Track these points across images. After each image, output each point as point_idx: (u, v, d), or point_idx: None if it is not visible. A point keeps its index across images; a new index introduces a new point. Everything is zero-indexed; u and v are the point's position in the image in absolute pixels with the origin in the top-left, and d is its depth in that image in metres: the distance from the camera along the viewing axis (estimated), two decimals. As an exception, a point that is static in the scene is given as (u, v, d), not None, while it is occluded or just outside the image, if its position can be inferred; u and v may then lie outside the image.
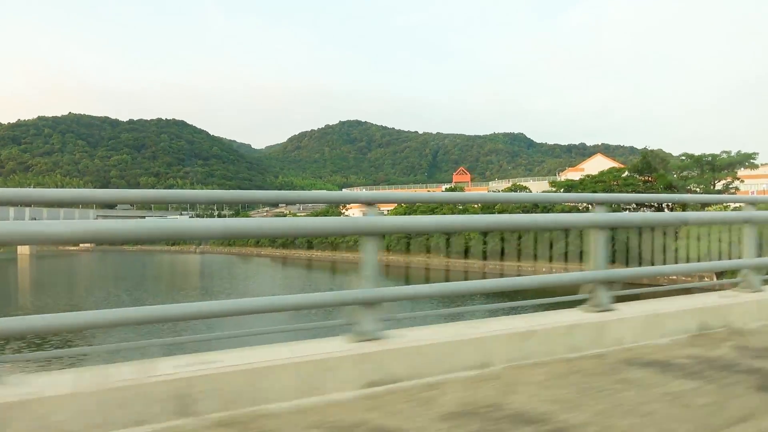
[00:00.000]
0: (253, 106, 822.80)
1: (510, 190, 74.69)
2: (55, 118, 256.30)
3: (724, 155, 52.38)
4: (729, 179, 51.22)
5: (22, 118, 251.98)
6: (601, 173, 56.76)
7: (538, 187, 74.91)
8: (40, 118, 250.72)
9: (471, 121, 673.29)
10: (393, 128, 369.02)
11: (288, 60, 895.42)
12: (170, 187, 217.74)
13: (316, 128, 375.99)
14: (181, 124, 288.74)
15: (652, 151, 57.46)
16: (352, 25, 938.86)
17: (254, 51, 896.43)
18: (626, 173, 56.90)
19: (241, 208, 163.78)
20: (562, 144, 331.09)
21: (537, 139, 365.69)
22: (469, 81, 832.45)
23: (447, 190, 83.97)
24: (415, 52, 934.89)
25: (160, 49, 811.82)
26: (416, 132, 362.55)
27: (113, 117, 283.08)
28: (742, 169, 53.87)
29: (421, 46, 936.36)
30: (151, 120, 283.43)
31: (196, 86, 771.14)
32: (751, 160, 51.91)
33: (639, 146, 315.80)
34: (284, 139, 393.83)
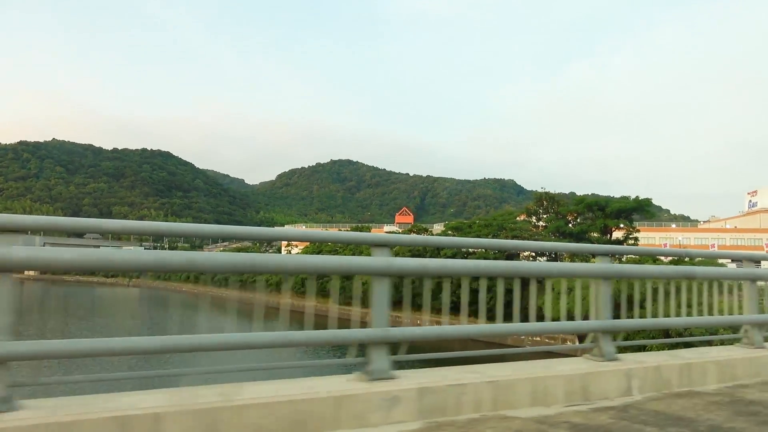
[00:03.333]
0: (249, 142, 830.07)
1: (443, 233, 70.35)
2: (36, 143, 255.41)
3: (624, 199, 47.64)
4: (626, 230, 46.44)
5: (3, 142, 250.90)
6: (494, 216, 52.13)
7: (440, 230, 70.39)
8: (20, 143, 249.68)
9: (462, 166, 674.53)
10: (384, 169, 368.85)
11: (287, 99, 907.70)
12: (142, 218, 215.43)
13: (306, 166, 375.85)
14: (166, 155, 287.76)
15: (547, 193, 52.96)
16: (353, 69, 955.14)
17: (252, 87, 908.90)
18: (522, 217, 52.21)
19: (200, 242, 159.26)
20: (553, 192, 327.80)
21: (528, 187, 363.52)
22: (465, 126, 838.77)
23: (406, 231, 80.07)
24: (412, 96, 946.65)
25: (157, 81, 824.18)
26: (407, 174, 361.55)
27: (97, 145, 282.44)
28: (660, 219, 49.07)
29: (418, 91, 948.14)
30: (136, 150, 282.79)
31: (192, 119, 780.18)
32: (646, 207, 47.12)
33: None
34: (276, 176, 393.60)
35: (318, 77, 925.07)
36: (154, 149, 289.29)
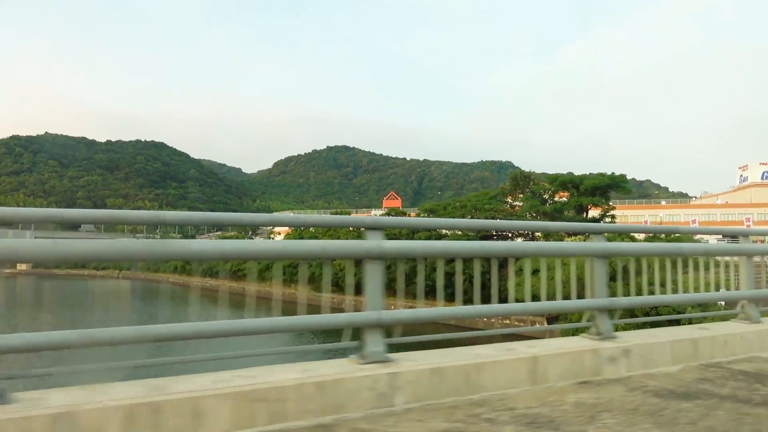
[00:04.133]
0: (246, 131, 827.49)
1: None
2: (29, 138, 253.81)
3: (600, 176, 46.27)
4: (604, 207, 45.21)
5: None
6: (469, 197, 50.93)
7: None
8: (12, 137, 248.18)
9: (459, 149, 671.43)
10: (380, 154, 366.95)
11: (282, 86, 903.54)
12: (137, 209, 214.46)
13: (303, 153, 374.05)
14: (160, 146, 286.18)
15: (522, 172, 51.66)
16: (350, 54, 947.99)
17: (249, 75, 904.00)
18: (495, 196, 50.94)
19: (190, 231, 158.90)
20: (549, 173, 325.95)
21: (525, 168, 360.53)
22: (462, 109, 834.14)
23: (383, 214, 78.74)
24: (409, 80, 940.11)
25: (154, 71, 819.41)
26: (404, 158, 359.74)
27: (90, 138, 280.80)
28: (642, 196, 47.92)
29: (414, 74, 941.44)
30: (129, 141, 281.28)
31: (187, 109, 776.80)
32: (622, 184, 45.80)
33: (627, 177, 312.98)
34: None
35: (314, 63, 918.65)
36: (147, 140, 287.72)
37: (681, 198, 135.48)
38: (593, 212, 46.99)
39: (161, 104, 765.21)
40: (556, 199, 47.66)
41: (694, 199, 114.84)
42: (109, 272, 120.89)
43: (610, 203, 46.89)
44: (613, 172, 45.26)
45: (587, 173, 46.29)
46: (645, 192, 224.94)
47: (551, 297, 4.74)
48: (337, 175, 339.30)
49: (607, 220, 45.81)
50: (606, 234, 5.08)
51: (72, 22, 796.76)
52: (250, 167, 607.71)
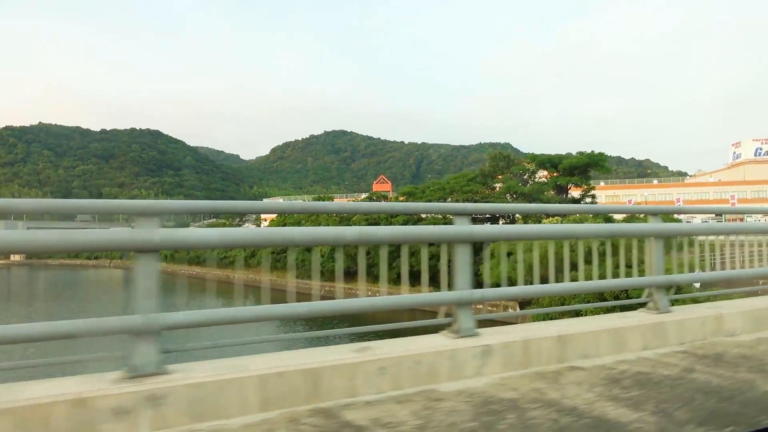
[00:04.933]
0: (243, 117, 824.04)
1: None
2: (22, 128, 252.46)
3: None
4: (584, 188, 44.07)
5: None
6: (448, 179, 49.80)
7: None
8: (6, 128, 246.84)
9: (457, 131, 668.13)
10: (378, 138, 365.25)
11: (279, 71, 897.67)
12: (132, 198, 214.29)
13: (300, 138, 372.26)
14: (156, 134, 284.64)
15: (500, 152, 50.50)
16: (347, 37, 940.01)
17: (246, 61, 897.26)
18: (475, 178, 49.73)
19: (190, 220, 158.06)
20: (549, 153, 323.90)
21: (524, 149, 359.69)
22: (460, 91, 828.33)
23: (365, 199, 77.88)
24: (406, 62, 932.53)
25: (148, 58, 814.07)
26: (402, 142, 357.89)
27: (85, 127, 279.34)
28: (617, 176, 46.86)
29: (412, 57, 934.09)
30: (124, 130, 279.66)
31: (184, 96, 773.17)
32: (601, 163, 44.57)
33: (626, 157, 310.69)
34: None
35: (310, 48, 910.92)
36: (143, 128, 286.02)
37: (680, 177, 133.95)
38: (574, 192, 45.94)
39: (157, 92, 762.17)
40: (536, 179, 46.61)
41: (688, 177, 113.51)
42: (101, 261, 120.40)
43: (604, 183, 45.79)
44: (592, 151, 44.15)
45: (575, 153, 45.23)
46: (644, 171, 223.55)
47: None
48: (335, 160, 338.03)
49: (588, 200, 44.79)
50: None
51: (64, 9, 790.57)
52: (248, 154, 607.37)
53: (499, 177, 47.73)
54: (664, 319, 4.94)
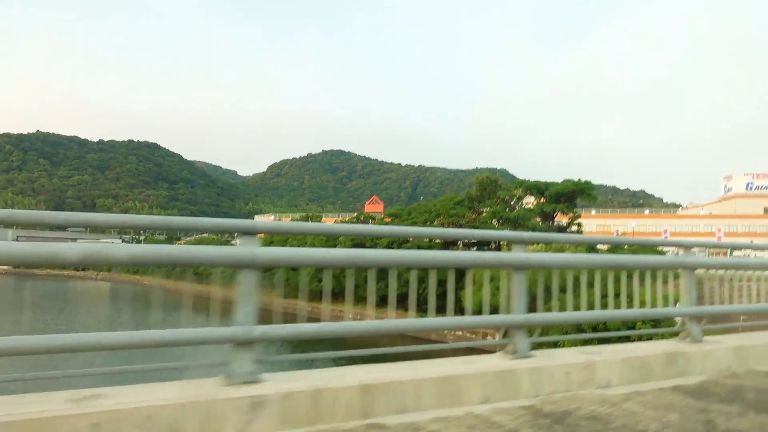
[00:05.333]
0: (242, 133, 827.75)
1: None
2: (20, 136, 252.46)
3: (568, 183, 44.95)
4: (569, 216, 43.86)
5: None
6: (434, 202, 49.60)
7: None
8: (3, 135, 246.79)
9: (454, 155, 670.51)
10: (376, 159, 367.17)
11: (280, 89, 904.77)
12: (126, 210, 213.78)
13: (298, 156, 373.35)
14: (154, 147, 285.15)
15: (488, 177, 50.44)
16: (347, 58, 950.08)
17: (245, 78, 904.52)
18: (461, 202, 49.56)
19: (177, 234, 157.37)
20: (544, 181, 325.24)
21: (520, 176, 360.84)
22: (459, 115, 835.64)
23: (352, 219, 77.46)
24: (406, 85, 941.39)
25: (151, 72, 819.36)
26: (399, 164, 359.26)
27: (83, 137, 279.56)
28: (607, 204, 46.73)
29: (411, 80, 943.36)
30: (122, 141, 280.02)
31: (184, 110, 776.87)
32: (588, 191, 44.42)
33: (622, 187, 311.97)
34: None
35: (312, 67, 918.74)
36: (141, 141, 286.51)
37: (674, 208, 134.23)
38: (561, 220, 45.69)
39: (158, 105, 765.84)
40: (523, 205, 46.43)
41: (680, 209, 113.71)
42: (89, 273, 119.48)
43: (595, 211, 45.62)
44: (579, 179, 44.07)
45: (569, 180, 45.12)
46: (639, 202, 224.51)
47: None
48: (331, 179, 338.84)
49: (573, 228, 44.56)
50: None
51: (65, 17, 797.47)
52: (246, 170, 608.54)
53: (487, 201, 47.57)
54: (517, 365, 4.17)
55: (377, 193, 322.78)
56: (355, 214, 79.86)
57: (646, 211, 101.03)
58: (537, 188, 45.56)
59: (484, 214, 46.62)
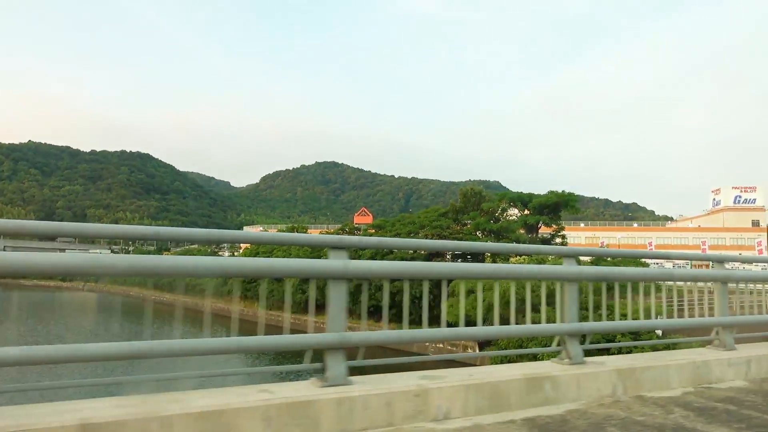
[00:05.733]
0: (235, 144, 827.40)
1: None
2: (11, 145, 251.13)
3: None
4: (553, 228, 43.77)
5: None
6: (418, 214, 49.40)
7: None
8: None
9: (447, 167, 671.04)
10: (369, 171, 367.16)
11: (273, 100, 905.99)
12: (116, 220, 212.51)
13: (291, 168, 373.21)
14: (146, 157, 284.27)
15: (472, 188, 50.33)
16: (341, 69, 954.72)
17: (240, 89, 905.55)
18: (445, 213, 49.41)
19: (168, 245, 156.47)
20: (536, 193, 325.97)
21: (512, 188, 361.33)
22: (452, 128, 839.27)
23: (337, 231, 76.99)
24: (399, 97, 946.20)
25: (144, 83, 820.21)
26: (392, 176, 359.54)
27: (75, 147, 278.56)
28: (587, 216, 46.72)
29: (405, 93, 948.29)
30: (114, 151, 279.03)
31: (177, 121, 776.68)
32: (571, 203, 44.36)
33: (614, 200, 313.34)
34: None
35: (305, 78, 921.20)
36: (133, 151, 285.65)
37: (664, 221, 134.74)
38: (545, 231, 45.55)
39: (150, 116, 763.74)
40: (507, 217, 46.27)
41: (670, 222, 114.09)
42: (75, 284, 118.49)
43: (583, 224, 45.60)
44: (563, 191, 43.96)
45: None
46: (630, 214, 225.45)
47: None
48: (324, 191, 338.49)
49: (558, 240, 44.39)
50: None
51: (57, 26, 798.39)
52: (239, 181, 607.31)
53: (471, 213, 47.40)
54: (320, 395, 3.40)
55: (370, 205, 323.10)
56: (339, 225, 79.50)
57: (635, 224, 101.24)
58: (521, 200, 45.43)
59: (468, 226, 46.45)
